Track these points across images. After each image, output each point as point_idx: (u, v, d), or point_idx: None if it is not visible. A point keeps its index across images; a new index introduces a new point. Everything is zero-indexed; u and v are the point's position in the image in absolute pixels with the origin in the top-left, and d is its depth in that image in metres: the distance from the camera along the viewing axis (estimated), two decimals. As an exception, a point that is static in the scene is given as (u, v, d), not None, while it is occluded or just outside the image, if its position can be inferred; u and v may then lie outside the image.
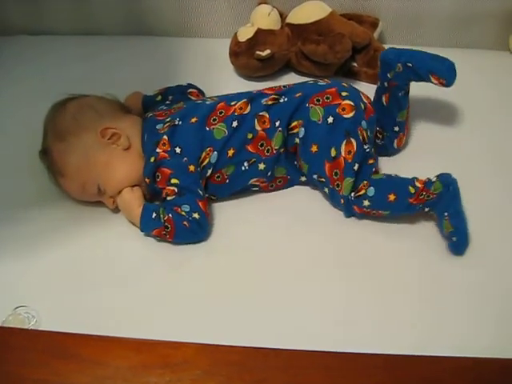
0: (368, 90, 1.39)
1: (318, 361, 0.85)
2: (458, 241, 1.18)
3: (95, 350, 0.87)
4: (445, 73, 1.27)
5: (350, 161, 1.22)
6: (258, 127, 1.26)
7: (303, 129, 1.25)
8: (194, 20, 1.73)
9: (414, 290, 1.14)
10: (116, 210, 1.29)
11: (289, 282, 1.16)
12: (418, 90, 1.36)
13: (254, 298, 1.13)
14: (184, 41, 1.74)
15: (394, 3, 1.63)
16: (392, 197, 1.20)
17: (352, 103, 1.25)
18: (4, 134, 1.48)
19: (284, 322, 1.09)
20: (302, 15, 1.59)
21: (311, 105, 1.26)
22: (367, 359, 0.84)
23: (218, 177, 1.27)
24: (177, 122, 1.28)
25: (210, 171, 1.26)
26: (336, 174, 1.23)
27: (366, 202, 1.21)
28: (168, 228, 1.20)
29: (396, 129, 1.35)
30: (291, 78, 1.60)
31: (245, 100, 1.29)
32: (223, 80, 1.58)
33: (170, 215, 1.21)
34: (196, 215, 1.21)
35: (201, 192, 1.24)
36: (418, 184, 1.21)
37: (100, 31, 1.78)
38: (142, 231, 1.24)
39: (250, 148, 1.26)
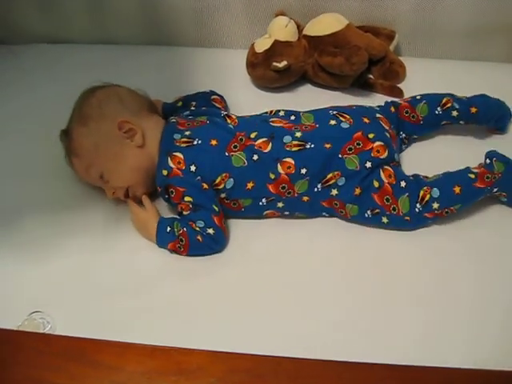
0: (383, 101, 1.41)
1: (330, 370, 0.85)
2: None
3: (110, 354, 0.88)
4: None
5: (394, 183, 1.23)
6: (281, 171, 1.24)
7: (343, 178, 1.24)
8: (211, 30, 1.74)
9: (424, 301, 1.14)
10: (113, 200, 1.32)
11: (301, 294, 1.16)
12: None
13: (268, 308, 1.14)
14: (200, 51, 1.74)
15: (411, 16, 1.63)
16: (457, 189, 1.22)
17: (383, 143, 1.26)
18: (22, 138, 1.50)
19: (296, 331, 1.09)
20: (318, 27, 1.60)
21: (345, 156, 1.24)
22: (380, 369, 0.85)
23: (235, 204, 1.27)
24: (195, 142, 1.27)
25: (223, 195, 1.26)
26: (388, 199, 1.23)
27: (435, 205, 1.21)
28: (182, 241, 1.21)
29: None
30: (307, 90, 1.61)
31: (265, 139, 1.27)
32: (240, 91, 1.59)
33: (185, 229, 1.21)
34: (211, 231, 1.21)
35: (216, 208, 1.23)
36: (474, 170, 1.25)
37: (117, 41, 1.80)
38: (157, 245, 1.25)
39: (270, 188, 1.25)
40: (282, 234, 1.28)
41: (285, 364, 0.85)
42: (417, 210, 1.22)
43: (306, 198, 1.26)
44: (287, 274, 1.20)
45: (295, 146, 1.25)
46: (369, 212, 1.24)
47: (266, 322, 1.11)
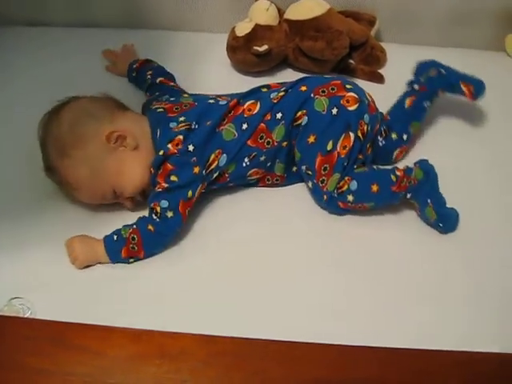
0: (364, 87, 1.39)
1: (315, 352, 0.86)
2: (444, 226, 1.22)
3: (93, 339, 0.87)
4: (475, 82, 1.35)
5: (343, 156, 1.23)
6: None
7: (306, 117, 1.25)
8: (192, 14, 1.73)
9: (413, 284, 1.15)
10: (134, 208, 1.27)
11: (287, 277, 1.17)
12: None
13: (253, 291, 1.14)
14: (181, 35, 1.73)
15: (391, 1, 1.63)
16: (375, 187, 1.22)
17: (356, 96, 1.26)
18: (4, 125, 1.46)
19: (282, 314, 1.10)
20: (300, 11, 1.59)
21: (316, 96, 1.26)
22: (365, 352, 0.85)
23: (220, 175, 1.26)
24: (193, 126, 1.25)
25: (215, 175, 1.25)
26: (325, 169, 1.23)
27: (350, 197, 1.22)
28: (134, 239, 1.17)
29: (404, 137, 1.36)
30: (288, 74, 1.60)
31: (253, 101, 1.28)
32: (220, 75, 1.58)
33: (134, 226, 1.19)
34: (169, 214, 1.18)
35: (189, 194, 1.21)
36: (398, 172, 1.24)
37: (98, 24, 1.77)
38: (112, 261, 1.20)
39: (249, 143, 1.25)
40: (262, 217, 1.28)
41: (271, 347, 0.85)
42: (334, 194, 1.23)
43: (285, 144, 1.28)
44: (272, 257, 1.20)
45: (278, 98, 1.28)
46: (304, 168, 1.27)
47: (251, 305, 1.11)
